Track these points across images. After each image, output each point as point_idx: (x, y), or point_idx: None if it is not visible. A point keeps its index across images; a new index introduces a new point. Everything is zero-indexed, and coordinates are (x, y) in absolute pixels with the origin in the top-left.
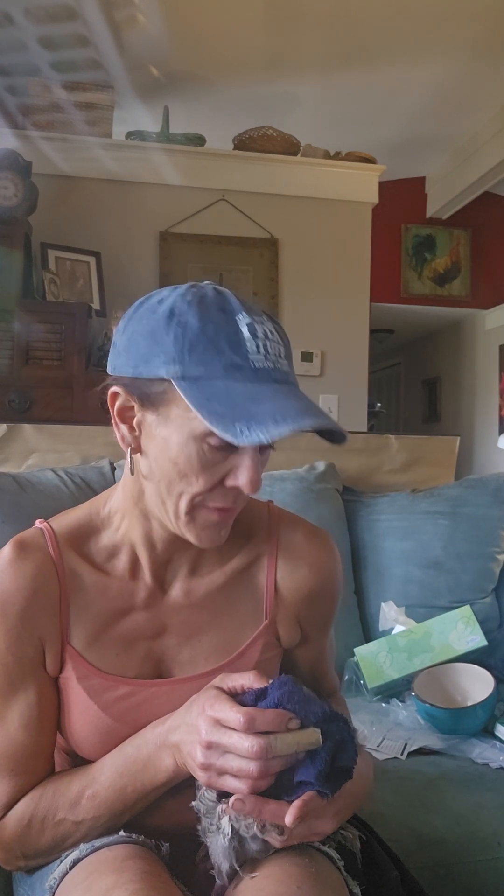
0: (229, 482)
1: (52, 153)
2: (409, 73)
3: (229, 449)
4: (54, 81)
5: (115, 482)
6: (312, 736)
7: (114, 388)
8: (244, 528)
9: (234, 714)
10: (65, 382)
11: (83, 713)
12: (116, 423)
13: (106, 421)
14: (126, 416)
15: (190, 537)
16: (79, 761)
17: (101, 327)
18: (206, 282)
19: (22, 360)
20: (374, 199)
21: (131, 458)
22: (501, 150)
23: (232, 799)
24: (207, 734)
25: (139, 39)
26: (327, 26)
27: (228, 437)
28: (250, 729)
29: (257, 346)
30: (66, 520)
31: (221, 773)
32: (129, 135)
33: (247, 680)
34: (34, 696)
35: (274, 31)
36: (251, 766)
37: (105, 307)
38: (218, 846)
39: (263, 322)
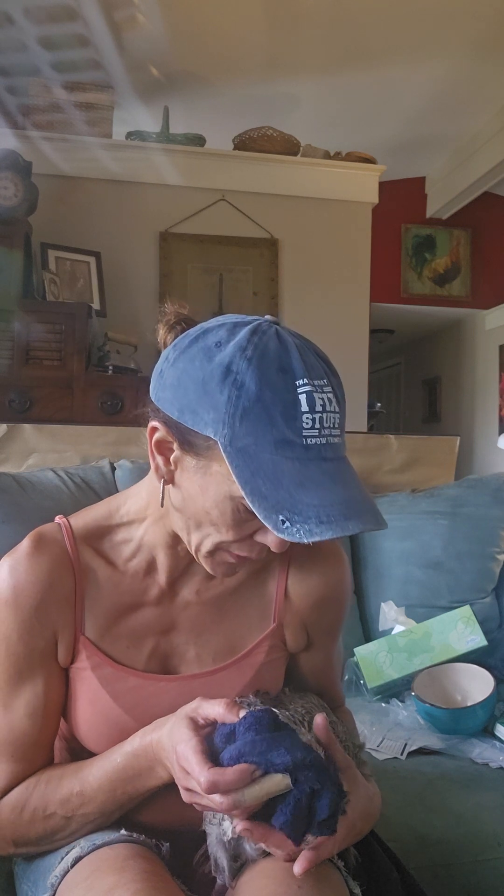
0: (258, 538)
1: (52, 153)
2: (409, 73)
3: None
4: (54, 81)
5: (115, 482)
6: (280, 782)
7: (154, 423)
8: None
9: (197, 775)
10: (65, 382)
11: (94, 702)
12: (153, 453)
13: (106, 421)
14: (164, 448)
15: (205, 567)
16: (77, 748)
17: (101, 327)
18: (267, 318)
19: (22, 360)
20: (374, 199)
21: (163, 489)
22: (501, 150)
23: (240, 827)
24: (183, 781)
25: (139, 39)
26: (327, 26)
27: (269, 526)
28: (213, 792)
29: (313, 421)
30: (84, 517)
31: (207, 807)
32: (129, 135)
33: (218, 712)
34: (42, 687)
35: (274, 31)
36: (232, 812)
37: (105, 307)
38: (216, 839)
39: (323, 388)
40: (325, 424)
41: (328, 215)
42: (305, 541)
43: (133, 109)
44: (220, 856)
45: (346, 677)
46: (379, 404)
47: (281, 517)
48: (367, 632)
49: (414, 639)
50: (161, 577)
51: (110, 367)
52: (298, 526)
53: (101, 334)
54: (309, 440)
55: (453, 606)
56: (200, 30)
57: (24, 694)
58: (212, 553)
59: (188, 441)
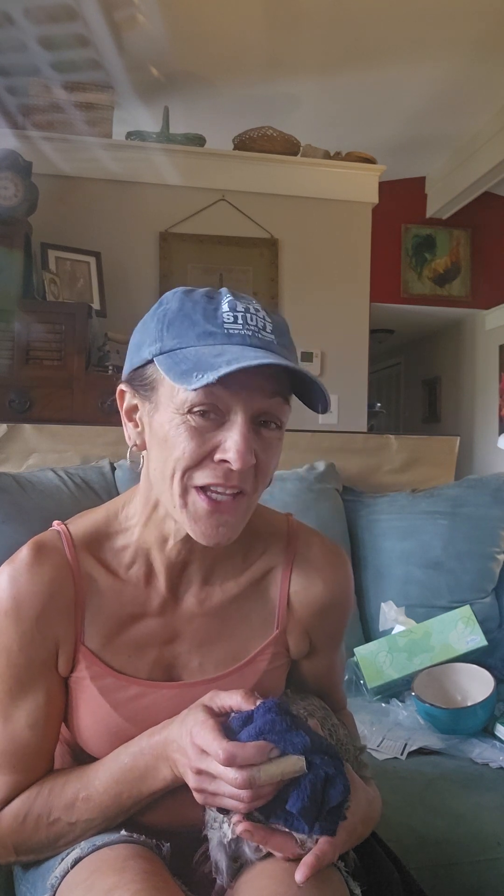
0: (217, 455)
1: (53, 153)
2: (409, 73)
3: (217, 421)
4: (54, 81)
5: (115, 482)
6: (296, 764)
7: (120, 386)
8: (262, 539)
9: (215, 748)
10: (65, 382)
11: (94, 711)
12: (125, 423)
13: (106, 421)
14: (132, 415)
15: (188, 529)
16: (79, 752)
17: (101, 327)
18: None
19: (22, 360)
20: (374, 199)
21: (140, 456)
22: (501, 150)
23: (240, 828)
24: (196, 761)
25: (139, 39)
26: (327, 26)
27: (183, 385)
28: (231, 764)
29: (235, 317)
30: (83, 523)
31: (215, 795)
32: (129, 135)
33: (235, 701)
34: (43, 697)
35: (274, 31)
36: (241, 794)
37: (105, 307)
38: (217, 842)
39: (250, 303)
40: (251, 322)
41: (328, 215)
42: (211, 378)
43: (133, 109)
44: (220, 858)
45: (346, 677)
46: (379, 404)
47: (195, 375)
48: (367, 632)
49: (414, 639)
50: (161, 583)
51: (110, 367)
52: (210, 374)
53: (101, 334)
54: (231, 330)
55: (453, 606)
56: (200, 30)
57: (25, 705)
58: (184, 497)
59: (141, 384)
